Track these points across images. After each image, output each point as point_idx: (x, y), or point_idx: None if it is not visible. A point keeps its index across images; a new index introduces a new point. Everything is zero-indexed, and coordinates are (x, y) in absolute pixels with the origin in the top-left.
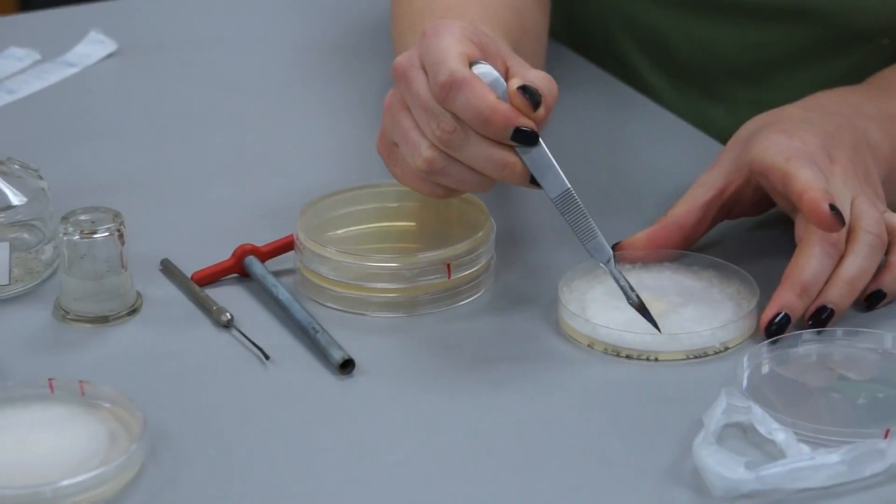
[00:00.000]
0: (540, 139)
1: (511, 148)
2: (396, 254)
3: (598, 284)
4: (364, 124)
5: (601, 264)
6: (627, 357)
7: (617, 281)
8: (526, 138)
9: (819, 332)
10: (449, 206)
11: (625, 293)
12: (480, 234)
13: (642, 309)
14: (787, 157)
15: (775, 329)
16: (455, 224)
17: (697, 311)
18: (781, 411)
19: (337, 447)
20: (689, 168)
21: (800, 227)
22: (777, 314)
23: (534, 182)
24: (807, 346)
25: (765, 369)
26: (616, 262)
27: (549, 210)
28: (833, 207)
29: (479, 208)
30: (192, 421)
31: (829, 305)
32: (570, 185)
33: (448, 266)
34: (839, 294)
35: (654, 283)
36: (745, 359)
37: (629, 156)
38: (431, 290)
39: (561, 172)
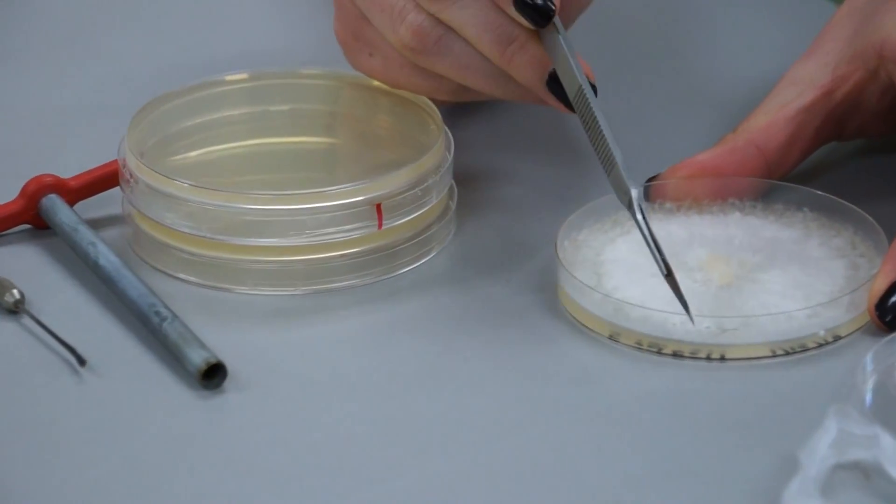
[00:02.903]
0: (555, 17)
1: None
2: (291, 189)
3: (623, 236)
4: None
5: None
6: (675, 355)
7: (644, 236)
8: (534, 12)
9: None
10: (378, 111)
11: (653, 255)
12: (429, 156)
13: (672, 283)
14: None
15: (891, 307)
16: (389, 141)
17: (787, 278)
18: None
19: (197, 500)
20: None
21: None
22: (894, 282)
23: (554, 84)
24: None
25: None
26: (646, 203)
27: (539, 119)
28: None
29: (429, 114)
30: None
31: None
32: (583, 82)
33: (378, 209)
34: None
35: (717, 234)
36: (869, 359)
37: (699, 37)
38: (351, 250)
39: (576, 65)
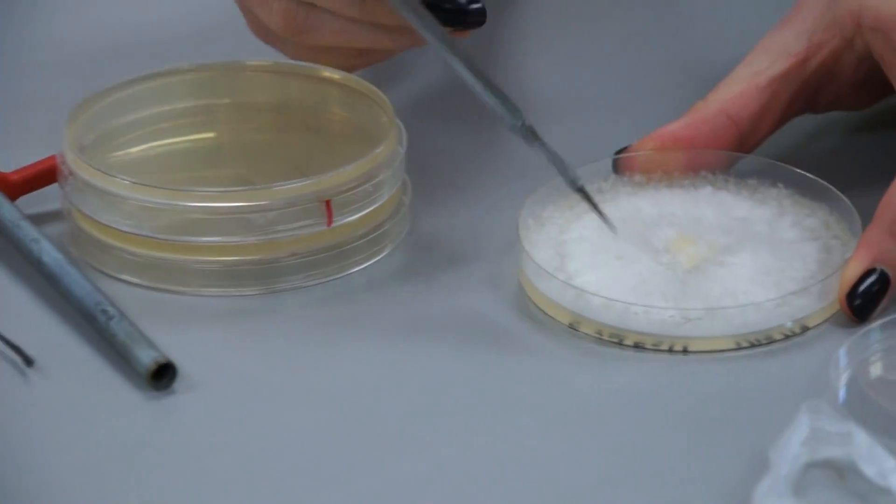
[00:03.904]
0: None
1: None
2: (237, 186)
3: (590, 212)
4: None
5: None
6: (637, 347)
7: (547, 156)
8: None
9: None
10: (329, 104)
11: (563, 175)
12: (380, 149)
13: (588, 199)
14: None
15: (862, 298)
16: (338, 134)
17: (757, 262)
18: None
19: None
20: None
21: None
22: (867, 272)
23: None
24: None
25: (875, 371)
26: (614, 177)
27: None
28: None
29: (380, 106)
30: None
31: None
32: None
33: (327, 206)
34: None
35: (687, 212)
36: (842, 353)
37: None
38: (301, 248)
39: None
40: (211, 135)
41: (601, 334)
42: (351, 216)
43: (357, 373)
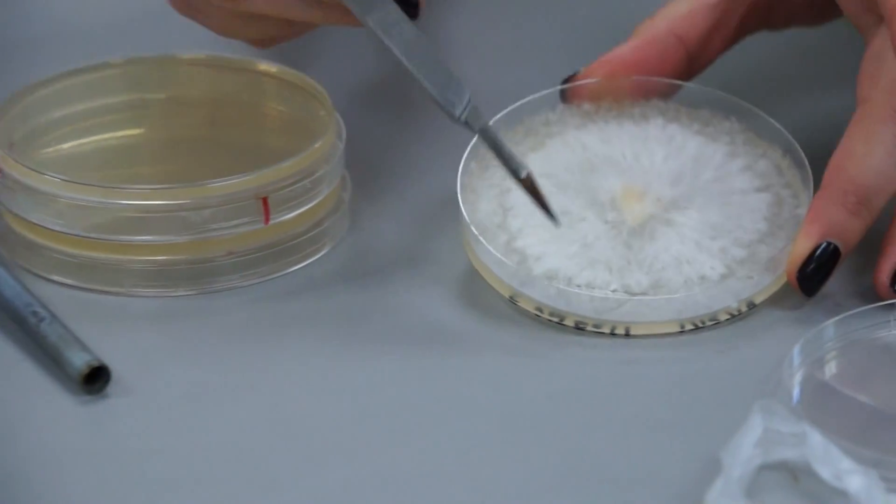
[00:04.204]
0: None
1: None
2: (171, 183)
3: (535, 150)
4: None
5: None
6: (578, 328)
7: (491, 146)
8: None
9: None
10: (265, 98)
11: (506, 165)
12: (319, 144)
13: (535, 193)
14: None
15: (811, 274)
16: (275, 129)
17: (704, 220)
18: (859, 441)
19: None
20: None
21: (866, 77)
22: (817, 245)
23: None
24: None
25: (831, 369)
26: (562, 107)
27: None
28: None
29: (318, 99)
30: None
31: None
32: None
33: (264, 203)
34: None
35: (635, 151)
36: (797, 350)
37: None
38: (237, 247)
39: None
40: (144, 130)
41: (541, 312)
42: (289, 213)
43: (296, 375)
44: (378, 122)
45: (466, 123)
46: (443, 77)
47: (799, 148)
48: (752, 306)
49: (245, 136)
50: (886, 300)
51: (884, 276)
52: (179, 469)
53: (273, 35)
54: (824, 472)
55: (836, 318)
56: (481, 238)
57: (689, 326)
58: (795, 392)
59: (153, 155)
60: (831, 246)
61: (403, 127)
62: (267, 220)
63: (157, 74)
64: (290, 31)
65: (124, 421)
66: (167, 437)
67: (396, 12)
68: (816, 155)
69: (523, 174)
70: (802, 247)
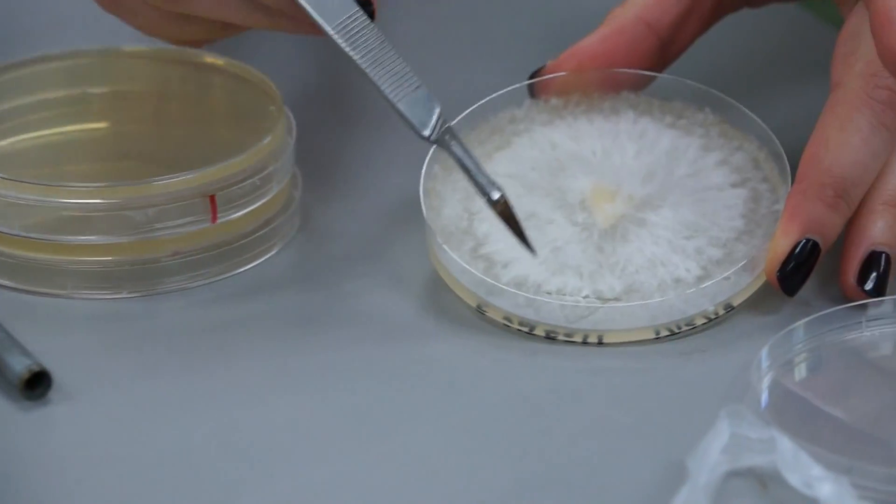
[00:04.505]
0: None
1: None
2: (114, 181)
3: (502, 150)
4: None
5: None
6: (549, 337)
7: (463, 168)
8: None
9: None
10: (212, 92)
11: (478, 188)
12: (269, 139)
13: (509, 219)
14: None
15: (792, 272)
16: (223, 124)
17: (678, 220)
18: (830, 447)
19: None
20: None
21: (841, 58)
22: (796, 242)
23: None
24: (878, 329)
25: (800, 372)
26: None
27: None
28: None
29: (267, 94)
30: None
31: (880, 248)
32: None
33: (212, 201)
34: (890, 223)
35: (605, 148)
36: (764, 354)
37: None
38: (184, 247)
39: None
40: (86, 126)
41: (510, 322)
42: (237, 212)
43: (245, 380)
44: (331, 116)
45: (437, 143)
46: (411, 91)
47: (776, 139)
48: (729, 309)
49: (191, 131)
50: (856, 301)
51: (850, 277)
52: (124, 477)
53: (205, 38)
54: (793, 480)
55: (806, 319)
56: (445, 246)
57: (664, 333)
58: (763, 396)
59: (96, 151)
60: (811, 242)
61: (359, 122)
62: (214, 218)
63: (100, 68)
64: (224, 33)
65: (66, 428)
66: (111, 445)
67: (359, 17)
68: (795, 146)
69: (496, 196)
70: (781, 245)
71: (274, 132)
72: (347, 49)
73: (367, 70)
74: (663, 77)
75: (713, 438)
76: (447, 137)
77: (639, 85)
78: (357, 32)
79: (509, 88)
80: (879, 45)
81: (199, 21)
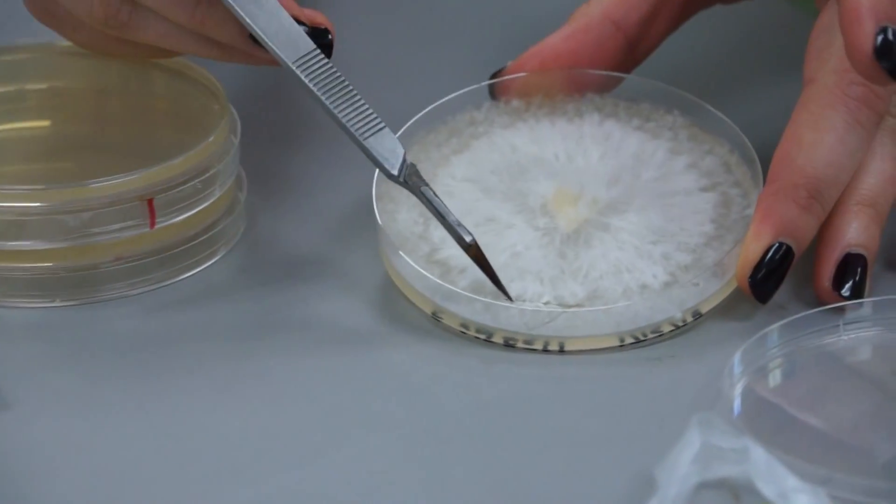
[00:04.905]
0: None
1: None
2: (48, 184)
3: (458, 153)
4: None
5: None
6: (507, 345)
7: (433, 210)
8: None
9: (878, 307)
10: (153, 89)
11: (449, 231)
12: (212, 139)
13: (482, 262)
14: None
15: (765, 278)
16: (164, 123)
17: (644, 224)
18: (806, 457)
19: None
20: None
21: (814, 54)
22: (768, 246)
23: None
24: (856, 333)
25: (775, 379)
26: (491, 103)
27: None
28: (887, 36)
29: (211, 92)
30: None
31: (856, 250)
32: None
33: (150, 205)
34: (866, 224)
35: (568, 151)
36: (737, 360)
37: None
38: (123, 253)
39: (289, 25)
40: (21, 125)
41: (467, 328)
42: (178, 216)
43: (189, 390)
44: (278, 114)
45: (405, 184)
46: (377, 130)
47: (748, 142)
48: (697, 316)
49: (131, 131)
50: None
51: (824, 281)
52: (64, 489)
53: (148, 57)
54: (768, 491)
55: (780, 322)
56: (400, 251)
57: (629, 340)
58: (736, 404)
59: (31, 152)
60: (784, 246)
61: (308, 120)
62: (153, 224)
63: (37, 63)
64: (169, 55)
65: (2, 439)
66: (48, 457)
67: (317, 55)
68: (767, 150)
69: (468, 239)
70: (753, 249)
71: (217, 132)
72: (312, 87)
73: (333, 108)
74: (630, 78)
75: (683, 448)
76: (415, 179)
77: (605, 86)
78: (318, 69)
79: (468, 89)
80: (847, 43)
81: (144, 45)
